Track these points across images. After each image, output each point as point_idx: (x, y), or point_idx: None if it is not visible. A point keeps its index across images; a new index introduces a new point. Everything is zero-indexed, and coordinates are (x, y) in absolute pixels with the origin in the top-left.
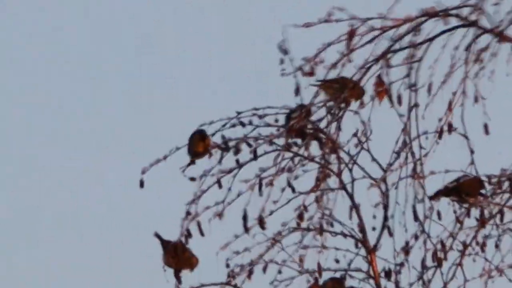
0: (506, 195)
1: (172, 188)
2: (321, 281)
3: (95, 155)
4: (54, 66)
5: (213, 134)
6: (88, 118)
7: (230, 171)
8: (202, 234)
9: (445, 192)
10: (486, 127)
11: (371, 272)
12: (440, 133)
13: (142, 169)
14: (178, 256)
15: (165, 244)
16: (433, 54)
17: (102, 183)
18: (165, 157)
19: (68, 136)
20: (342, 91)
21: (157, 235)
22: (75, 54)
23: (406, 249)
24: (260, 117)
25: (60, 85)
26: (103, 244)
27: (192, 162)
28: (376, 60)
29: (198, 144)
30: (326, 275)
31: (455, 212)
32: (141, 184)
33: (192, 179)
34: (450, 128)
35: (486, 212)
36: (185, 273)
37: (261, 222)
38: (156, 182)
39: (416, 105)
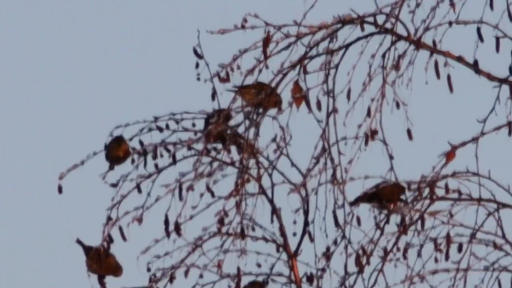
0: (427, 202)
1: (91, 193)
2: (241, 286)
3: (11, 160)
4: None
5: (130, 139)
6: (4, 123)
7: (149, 176)
8: (124, 239)
9: (365, 198)
10: (409, 132)
11: (293, 277)
12: (366, 139)
13: (59, 175)
14: (101, 261)
15: (87, 250)
16: (350, 60)
17: (20, 189)
18: (82, 162)
19: None
20: (259, 96)
21: (79, 242)
22: None
23: (327, 255)
24: (177, 121)
25: None
26: (25, 252)
27: (111, 168)
28: (293, 66)
29: (117, 149)
30: (247, 279)
31: (375, 218)
32: (59, 189)
33: (113, 185)
34: (373, 134)
35: (407, 218)
36: (109, 278)
37: (177, 228)
38: (75, 188)
39: (334, 110)
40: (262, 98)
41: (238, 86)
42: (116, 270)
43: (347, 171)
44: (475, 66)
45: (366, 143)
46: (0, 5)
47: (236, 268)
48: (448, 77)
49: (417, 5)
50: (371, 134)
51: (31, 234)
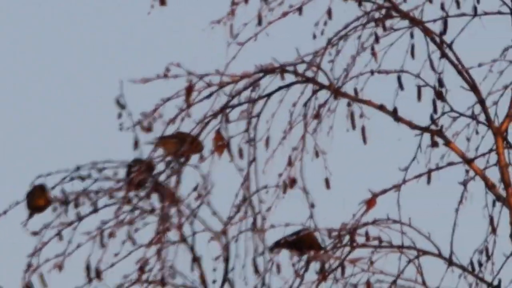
0: (347, 249)
1: (13, 241)
2: None
3: None
4: None
5: (52, 188)
6: None
7: (70, 223)
8: (45, 286)
9: (285, 244)
10: (327, 181)
11: None
12: (285, 188)
13: None
14: None
15: None
16: (272, 109)
17: None
18: (5, 212)
19: None
20: (180, 146)
21: None
22: None
23: None
24: (100, 170)
25: None
26: None
27: (31, 216)
28: (215, 115)
29: (39, 198)
30: None
31: (293, 265)
32: None
33: (35, 233)
34: (292, 183)
35: (326, 266)
36: None
37: (98, 274)
38: None
39: (255, 159)
40: (183, 147)
41: (159, 136)
42: None
43: (266, 218)
44: (394, 114)
45: (285, 191)
46: (0, 5)
47: None
48: (363, 129)
49: (337, 53)
50: (290, 183)
51: None
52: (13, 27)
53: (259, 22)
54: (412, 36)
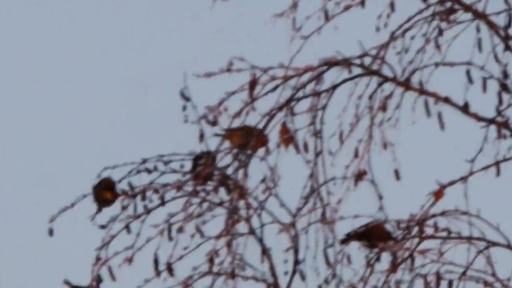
0: (416, 240)
1: (80, 235)
2: None
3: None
4: None
5: (119, 181)
6: None
7: (138, 216)
8: (113, 278)
9: (355, 236)
10: (396, 172)
11: None
12: (355, 180)
13: (50, 218)
14: None
15: None
16: (338, 101)
17: (9, 231)
18: (72, 205)
19: None
20: (246, 138)
21: (67, 282)
22: None
23: None
24: (166, 163)
25: None
26: None
27: (99, 210)
28: (280, 108)
29: (105, 192)
30: None
31: (366, 257)
32: (50, 232)
33: (102, 226)
34: (362, 175)
35: (396, 256)
36: None
37: (169, 269)
38: (65, 228)
39: (322, 151)
40: (249, 140)
41: (225, 129)
42: None
43: (336, 210)
44: (465, 108)
45: (355, 183)
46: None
47: None
48: (439, 115)
49: (404, 48)
50: (360, 175)
51: (20, 274)
52: (13, 27)
53: (326, 17)
54: (478, 30)
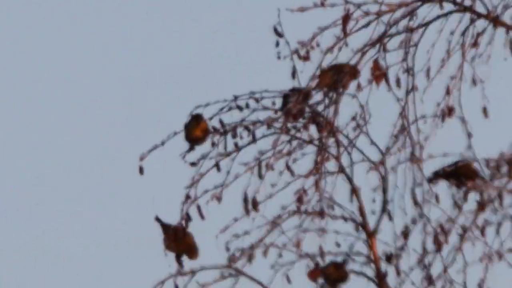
0: (505, 179)
1: (171, 172)
2: (322, 265)
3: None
4: None
5: (210, 118)
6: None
7: (228, 154)
8: (202, 217)
9: (443, 175)
10: (485, 110)
11: (372, 256)
12: (443, 117)
13: (140, 156)
14: (179, 240)
15: (166, 228)
16: (430, 38)
17: (102, 171)
18: (163, 143)
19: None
20: (338, 77)
21: (158, 219)
22: None
23: (406, 233)
24: (257, 100)
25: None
26: (106, 229)
27: (191, 148)
28: (373, 44)
29: (196, 129)
30: (327, 259)
31: (453, 196)
32: (141, 170)
33: (193, 164)
34: (451, 112)
35: (485, 196)
36: (186, 258)
37: (255, 204)
38: (155, 166)
39: (414, 88)
40: (341, 77)
41: (316, 74)
42: (192, 252)
43: (425, 148)
44: None
45: (443, 120)
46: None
47: (314, 247)
48: None
49: None
50: (449, 112)
51: (112, 211)
52: (13, 27)
53: None
54: None
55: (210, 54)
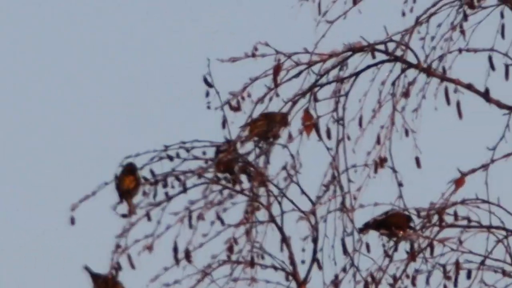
0: (436, 229)
1: (101, 223)
2: None
3: (20, 188)
4: None
5: (141, 168)
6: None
7: (159, 204)
8: (132, 266)
9: (374, 225)
10: (417, 160)
11: None
12: (375, 167)
13: (71, 206)
14: None
15: (95, 278)
16: (361, 88)
17: (32, 220)
18: (93, 193)
19: None
20: (268, 126)
21: (87, 269)
22: None
23: (336, 282)
24: (188, 150)
25: None
26: (35, 277)
27: (121, 201)
28: (303, 94)
29: (128, 179)
30: None
31: (383, 245)
32: (72, 221)
33: (124, 215)
34: (382, 162)
35: (415, 245)
36: None
37: (188, 255)
38: (85, 216)
39: (344, 138)
40: (272, 126)
41: (246, 123)
42: None
43: (356, 198)
44: (486, 95)
45: (376, 170)
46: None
47: None
48: (458, 104)
49: (427, 33)
50: (380, 162)
51: (40, 261)
52: (13, 27)
53: (354, 1)
54: (502, 16)
55: (138, 101)
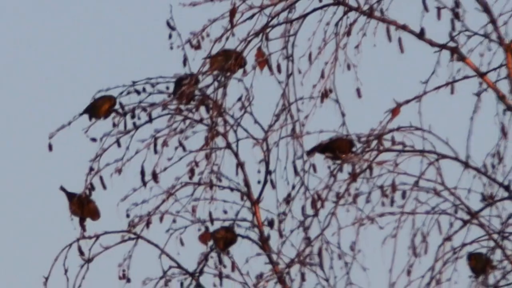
0: (374, 153)
1: (76, 149)
2: (212, 229)
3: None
4: None
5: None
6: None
7: (127, 132)
8: (104, 187)
9: (320, 148)
10: (358, 91)
11: (255, 222)
12: (321, 98)
13: (49, 134)
14: (82, 206)
15: (70, 196)
16: (309, 28)
17: (13, 145)
18: (69, 123)
19: None
20: (226, 62)
21: (63, 189)
22: None
23: (288, 200)
24: (153, 85)
25: None
26: (17, 201)
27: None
28: (256, 34)
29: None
30: (215, 225)
31: (329, 167)
32: (50, 147)
33: (93, 139)
34: (327, 93)
35: (356, 167)
36: (89, 222)
37: (155, 177)
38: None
39: (293, 73)
40: (229, 62)
41: (207, 56)
42: (94, 215)
43: (304, 125)
44: (420, 34)
45: (322, 101)
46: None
47: (205, 214)
48: (399, 40)
49: None
50: (325, 93)
51: (22, 184)
52: (13, 27)
53: None
54: None
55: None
